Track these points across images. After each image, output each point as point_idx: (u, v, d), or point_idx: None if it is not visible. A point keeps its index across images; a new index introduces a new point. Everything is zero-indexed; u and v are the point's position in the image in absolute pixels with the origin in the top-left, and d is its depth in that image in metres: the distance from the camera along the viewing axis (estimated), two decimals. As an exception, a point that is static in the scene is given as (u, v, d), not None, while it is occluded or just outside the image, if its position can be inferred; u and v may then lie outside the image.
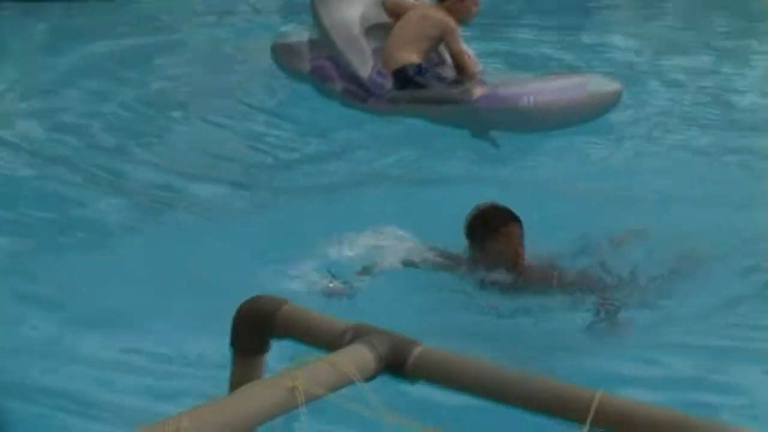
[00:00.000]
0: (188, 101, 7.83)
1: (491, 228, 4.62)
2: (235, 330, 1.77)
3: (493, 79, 7.22)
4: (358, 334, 1.69)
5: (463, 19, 7.30)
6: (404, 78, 7.22)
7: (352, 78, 7.31)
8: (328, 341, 1.70)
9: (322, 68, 7.49)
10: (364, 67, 7.30)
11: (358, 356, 1.63)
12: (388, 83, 7.23)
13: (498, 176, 6.34)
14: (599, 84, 7.10)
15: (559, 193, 5.90)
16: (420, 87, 7.17)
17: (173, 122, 7.53)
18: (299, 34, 7.80)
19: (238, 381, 1.76)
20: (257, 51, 8.47)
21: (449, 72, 7.35)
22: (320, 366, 1.60)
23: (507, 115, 6.74)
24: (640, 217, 5.44)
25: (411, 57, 7.21)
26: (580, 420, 1.50)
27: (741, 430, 1.56)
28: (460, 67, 7.25)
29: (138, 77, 8.25)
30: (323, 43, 7.48)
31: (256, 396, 1.51)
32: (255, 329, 1.77)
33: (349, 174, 6.56)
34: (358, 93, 7.28)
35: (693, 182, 6.17)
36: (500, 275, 4.62)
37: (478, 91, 6.93)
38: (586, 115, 6.95)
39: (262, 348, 1.78)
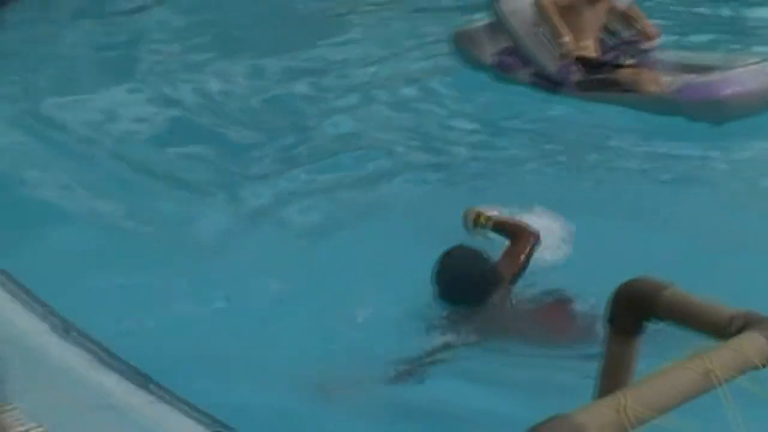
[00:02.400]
0: (369, 85, 7.87)
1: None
2: (614, 309, 1.79)
3: (671, 58, 7.29)
4: (749, 322, 1.70)
5: None
6: (590, 65, 7.20)
7: (537, 66, 7.38)
8: (713, 328, 1.72)
9: (505, 57, 7.57)
10: (547, 54, 7.33)
11: (755, 343, 1.65)
12: (575, 70, 7.23)
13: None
14: None
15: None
16: (607, 72, 7.14)
17: (353, 106, 7.54)
18: (478, 23, 7.87)
19: (611, 358, 1.81)
20: (434, 38, 8.49)
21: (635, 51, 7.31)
22: (724, 352, 1.62)
23: (704, 106, 6.70)
24: None
25: (590, 44, 7.25)
26: None
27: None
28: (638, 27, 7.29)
29: (323, 63, 8.31)
30: (503, 32, 7.53)
31: (678, 378, 1.54)
32: (633, 310, 1.79)
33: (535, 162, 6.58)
34: (546, 81, 7.34)
35: None
36: None
37: (667, 81, 6.94)
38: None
39: (637, 329, 1.81)
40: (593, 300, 4.34)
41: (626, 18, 7.41)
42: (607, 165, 6.54)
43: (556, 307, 4.57)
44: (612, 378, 1.77)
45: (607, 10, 7.38)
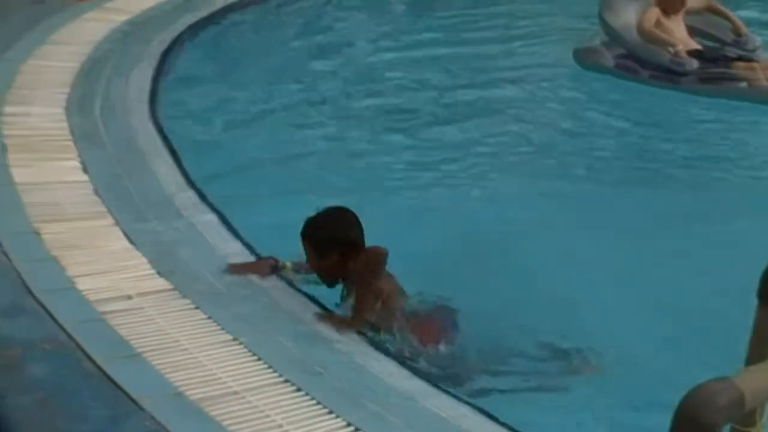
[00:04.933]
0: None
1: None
2: (764, 285, 1.98)
3: None
4: None
5: None
6: (704, 57, 7.84)
7: (656, 66, 7.96)
8: None
9: (625, 63, 8.20)
10: (663, 54, 7.92)
11: None
12: (692, 63, 7.80)
13: None
14: None
15: None
16: (722, 67, 7.77)
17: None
18: (592, 38, 8.65)
19: (760, 330, 2.06)
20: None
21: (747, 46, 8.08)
22: None
23: None
24: None
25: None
26: None
27: None
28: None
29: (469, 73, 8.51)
30: (617, 42, 8.29)
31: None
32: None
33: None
34: (666, 77, 7.91)
35: None
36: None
37: None
38: None
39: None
40: None
41: (714, 13, 8.27)
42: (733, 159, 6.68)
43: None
44: (760, 348, 2.02)
45: (689, 14, 8.19)
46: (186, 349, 3.59)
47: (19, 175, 5.09)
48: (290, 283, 4.21)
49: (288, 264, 4.30)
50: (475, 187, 6.07)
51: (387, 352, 3.74)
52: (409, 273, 4.12)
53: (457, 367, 3.88)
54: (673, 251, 5.00)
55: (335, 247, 4.03)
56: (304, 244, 4.10)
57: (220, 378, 3.43)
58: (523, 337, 4.14)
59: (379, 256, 3.99)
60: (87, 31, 8.04)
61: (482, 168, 6.41)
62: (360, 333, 3.87)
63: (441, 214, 5.54)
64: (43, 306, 3.83)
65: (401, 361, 3.70)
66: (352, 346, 3.75)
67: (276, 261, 4.31)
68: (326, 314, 4.00)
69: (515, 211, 5.57)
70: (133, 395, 3.26)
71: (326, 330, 3.86)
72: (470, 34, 9.90)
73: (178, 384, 3.37)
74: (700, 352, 3.93)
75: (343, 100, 7.69)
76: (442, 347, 3.97)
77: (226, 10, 9.46)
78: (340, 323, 3.92)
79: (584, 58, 8.48)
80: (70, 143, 5.62)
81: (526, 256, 4.88)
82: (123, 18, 8.57)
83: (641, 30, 8.07)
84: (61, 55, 7.34)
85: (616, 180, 6.35)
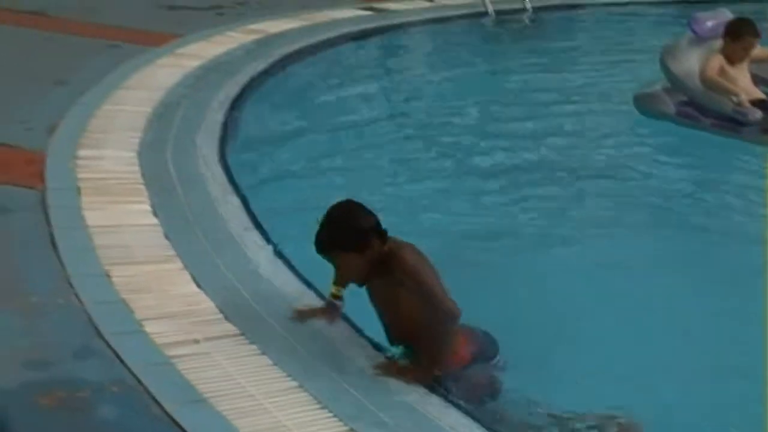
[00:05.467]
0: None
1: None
2: None
3: None
4: None
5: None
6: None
7: (717, 114, 7.86)
8: None
9: (686, 110, 8.11)
10: (725, 103, 7.80)
11: None
12: (755, 113, 7.67)
13: None
14: None
15: None
16: None
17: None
18: (653, 85, 8.50)
19: None
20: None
21: None
22: None
23: None
24: None
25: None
26: None
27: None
28: None
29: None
30: (679, 89, 8.19)
31: None
32: None
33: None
34: (727, 126, 7.80)
35: None
36: None
37: None
38: None
39: None
40: None
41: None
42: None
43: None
44: None
45: (754, 63, 8.05)
46: (252, 396, 3.59)
47: (91, 217, 5.17)
48: (358, 331, 4.17)
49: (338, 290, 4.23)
50: (528, 226, 6.06)
51: (454, 404, 3.70)
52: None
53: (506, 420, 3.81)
54: (730, 309, 4.84)
55: (370, 234, 3.85)
56: (336, 255, 3.90)
57: (285, 425, 3.42)
58: (569, 392, 4.06)
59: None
60: (160, 77, 8.18)
61: (538, 213, 6.37)
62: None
63: (498, 259, 5.49)
64: (112, 348, 3.86)
65: (467, 411, 3.65)
66: (418, 396, 3.71)
67: (337, 302, 4.26)
68: (390, 364, 3.91)
69: (564, 254, 5.51)
70: (200, 441, 3.26)
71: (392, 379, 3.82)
72: (530, 76, 9.93)
73: (244, 429, 3.36)
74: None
75: (405, 142, 7.72)
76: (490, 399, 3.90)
77: (293, 56, 9.56)
78: (411, 373, 3.83)
79: (644, 103, 8.38)
80: (142, 186, 5.69)
81: (578, 308, 4.79)
82: (195, 63, 8.70)
83: (704, 77, 7.94)
84: (134, 99, 7.47)
85: (671, 229, 6.21)
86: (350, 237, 3.85)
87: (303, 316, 4.24)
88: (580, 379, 4.16)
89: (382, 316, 4.05)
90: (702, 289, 5.11)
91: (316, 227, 3.90)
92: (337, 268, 4.05)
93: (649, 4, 13.21)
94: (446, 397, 3.72)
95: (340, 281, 4.16)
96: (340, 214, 3.90)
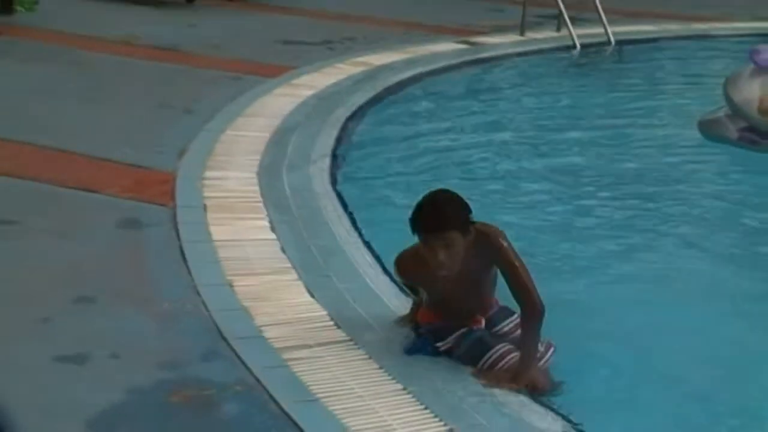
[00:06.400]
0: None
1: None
2: None
3: None
4: None
5: None
6: None
7: None
8: None
9: (748, 135, 7.98)
10: None
11: None
12: None
13: None
14: None
15: None
16: None
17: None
18: (717, 109, 8.37)
19: None
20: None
21: None
22: None
23: None
24: None
25: None
26: None
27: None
28: None
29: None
30: (739, 115, 8.04)
31: None
32: None
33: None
34: None
35: None
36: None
37: None
38: None
39: None
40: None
41: None
42: None
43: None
44: None
45: None
46: (360, 397, 3.61)
47: (216, 232, 5.27)
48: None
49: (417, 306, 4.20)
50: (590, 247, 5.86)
51: (551, 408, 3.65)
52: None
53: None
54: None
55: (468, 215, 3.68)
56: (448, 235, 3.60)
57: (391, 425, 3.44)
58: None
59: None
60: (277, 105, 8.30)
61: (605, 239, 6.07)
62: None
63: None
64: (234, 352, 3.93)
65: (562, 415, 3.60)
66: (514, 399, 3.68)
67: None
68: (489, 372, 3.85)
69: (633, 283, 5.33)
70: (314, 436, 3.30)
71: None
72: (597, 99, 9.78)
73: (354, 428, 3.40)
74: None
75: (502, 163, 7.67)
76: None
77: (401, 85, 9.59)
78: (508, 377, 3.77)
79: (708, 128, 8.19)
80: (260, 204, 5.79)
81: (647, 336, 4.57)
82: (309, 93, 8.81)
83: (762, 108, 7.79)
84: (254, 125, 7.60)
85: (735, 253, 5.88)
86: (461, 215, 3.64)
87: (405, 322, 4.24)
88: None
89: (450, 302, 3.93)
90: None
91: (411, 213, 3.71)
92: (436, 254, 3.65)
93: (726, 36, 12.91)
94: (545, 403, 3.68)
95: (437, 268, 3.71)
96: (446, 196, 3.72)
